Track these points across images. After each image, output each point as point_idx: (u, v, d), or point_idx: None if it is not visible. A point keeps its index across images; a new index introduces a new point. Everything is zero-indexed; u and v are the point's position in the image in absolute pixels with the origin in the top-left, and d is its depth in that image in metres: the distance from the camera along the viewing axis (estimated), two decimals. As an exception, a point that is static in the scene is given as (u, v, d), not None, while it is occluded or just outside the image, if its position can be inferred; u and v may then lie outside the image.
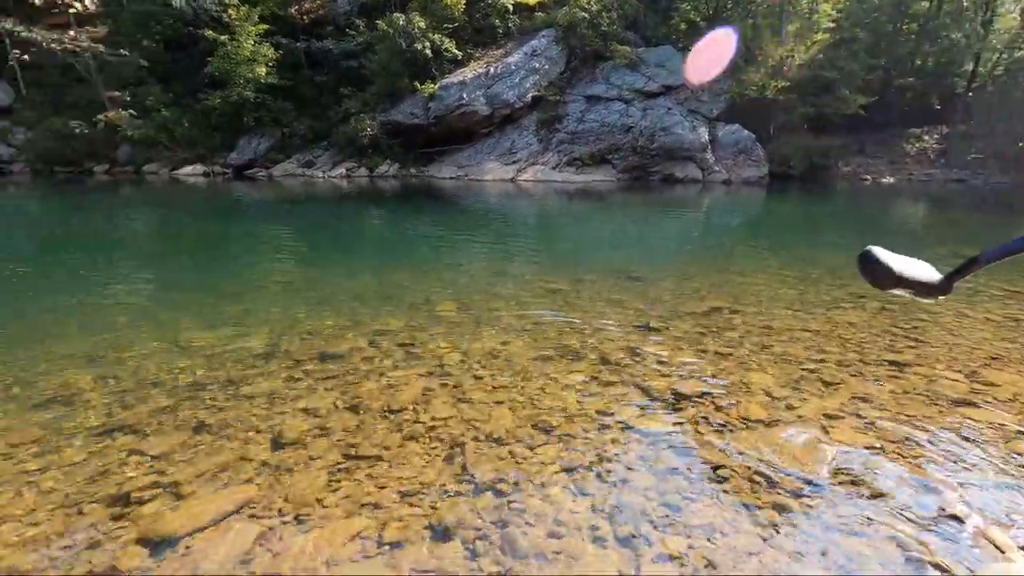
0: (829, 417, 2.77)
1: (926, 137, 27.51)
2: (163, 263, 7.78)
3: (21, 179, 22.17)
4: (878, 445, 2.51)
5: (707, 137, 23.48)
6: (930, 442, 2.54)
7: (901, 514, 2.03)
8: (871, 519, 2.01)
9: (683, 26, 27.01)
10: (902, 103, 28.22)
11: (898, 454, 2.44)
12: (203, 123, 26.09)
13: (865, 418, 2.76)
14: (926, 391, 3.08)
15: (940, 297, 0.62)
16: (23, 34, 23.04)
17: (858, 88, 25.30)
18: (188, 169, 25.19)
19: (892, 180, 24.37)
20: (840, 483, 2.23)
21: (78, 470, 2.34)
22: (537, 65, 24.82)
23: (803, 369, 3.38)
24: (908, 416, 2.78)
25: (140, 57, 25.46)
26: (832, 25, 24.85)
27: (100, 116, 24.09)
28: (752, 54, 25.13)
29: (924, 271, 0.61)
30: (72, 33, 24.23)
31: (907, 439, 2.56)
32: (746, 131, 24.11)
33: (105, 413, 2.84)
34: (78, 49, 24.12)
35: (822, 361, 3.51)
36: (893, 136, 27.44)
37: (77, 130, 24.23)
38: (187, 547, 1.89)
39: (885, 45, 28.36)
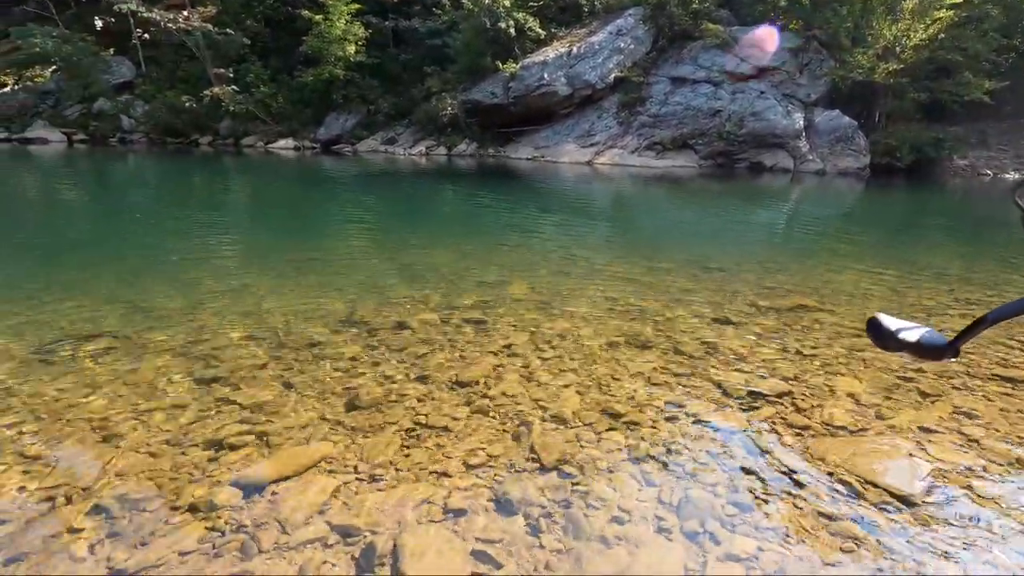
0: (925, 431, 2.55)
1: (1066, 129, 24.19)
2: (255, 229, 8.34)
3: (139, 148, 24.41)
4: (982, 466, 2.29)
5: (802, 123, 21.88)
6: (1046, 469, 2.29)
7: (1003, 543, 1.85)
8: (968, 545, 1.84)
9: (783, 2, 25.09)
10: (1039, 90, 24.92)
11: (1005, 478, 2.21)
12: (296, 99, 27.48)
13: (968, 435, 2.52)
14: (1045, 412, 2.77)
15: (951, 359, 0.60)
16: (145, 14, 25.12)
17: (985, 72, 22.56)
18: (281, 143, 26.69)
19: (1017, 176, 21.73)
20: (935, 503, 2.05)
21: (182, 413, 2.58)
22: (622, 45, 24.02)
23: (898, 377, 3.12)
24: (1020, 438, 2.51)
25: (243, 36, 27.10)
26: (959, 1, 22.15)
27: (207, 91, 25.94)
28: (861, 33, 22.99)
29: (928, 336, 0.62)
30: (186, 13, 26.12)
31: (1018, 461, 2.32)
32: (847, 118, 22.24)
33: (203, 364, 3.10)
34: (191, 28, 25.99)
35: (920, 371, 3.22)
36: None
37: (187, 104, 26.26)
38: (273, 493, 2.04)
39: (1023, 24, 25.06)
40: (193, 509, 1.94)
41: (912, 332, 0.63)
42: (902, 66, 21.66)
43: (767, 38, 21.73)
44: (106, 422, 2.48)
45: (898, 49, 22.05)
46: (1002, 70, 23.35)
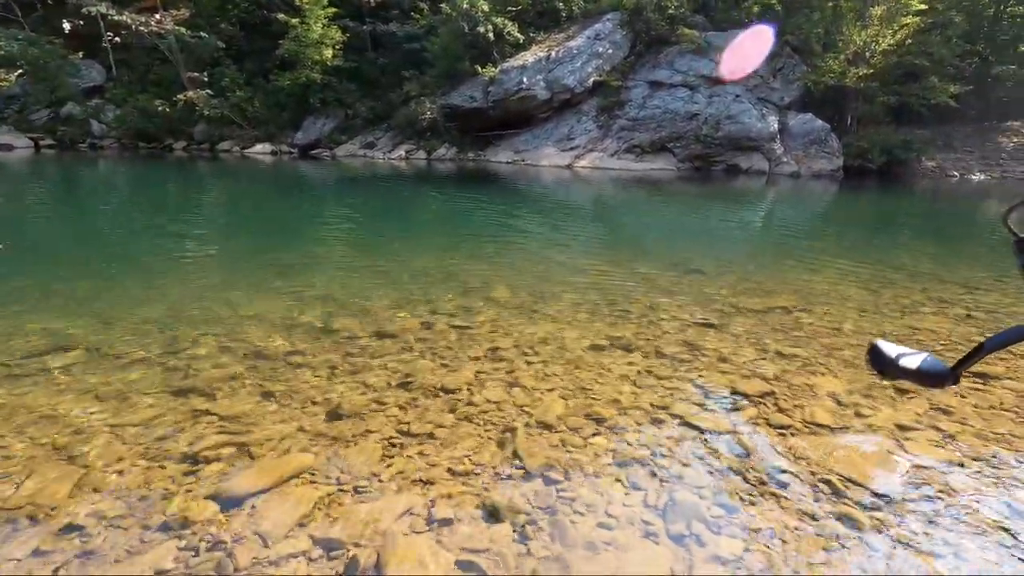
0: (903, 428, 2.60)
1: (1026, 131, 25.09)
2: (231, 235, 8.18)
3: (110, 154, 23.82)
4: (958, 461, 2.33)
5: (776, 126, 22.31)
6: (1019, 461, 2.34)
7: (981, 537, 1.88)
8: (947, 541, 1.87)
9: (756, 8, 25.58)
10: (1000, 94, 25.85)
11: (981, 472, 2.26)
12: (272, 103, 27.14)
13: (944, 432, 2.57)
14: (1016, 407, 2.84)
15: (952, 386, 0.62)
16: (115, 17, 24.57)
17: (950, 76, 23.32)
18: (257, 148, 26.30)
19: (982, 177, 22.45)
20: (914, 498, 2.09)
21: (156, 426, 2.50)
22: (600, 49, 24.24)
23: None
24: (995, 433, 2.57)
25: (217, 39, 26.68)
26: (924, 8, 22.85)
27: (180, 96, 25.46)
28: (832, 39, 23.57)
29: (929, 363, 0.62)
30: (158, 16, 25.62)
31: (993, 457, 2.37)
32: (820, 121, 22.76)
33: (180, 375, 3.02)
34: (163, 31, 25.50)
35: (897, 368, 3.28)
36: (987, 130, 25.22)
37: (160, 108, 25.73)
38: (252, 506, 1.99)
39: (985, 30, 25.99)
40: (168, 526, 1.87)
41: (913, 359, 0.62)
42: (871, 71, 22.28)
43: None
44: (76, 436, 2.39)
45: (867, 54, 22.66)
46: (966, 75, 24.17)
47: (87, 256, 6.24)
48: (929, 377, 0.63)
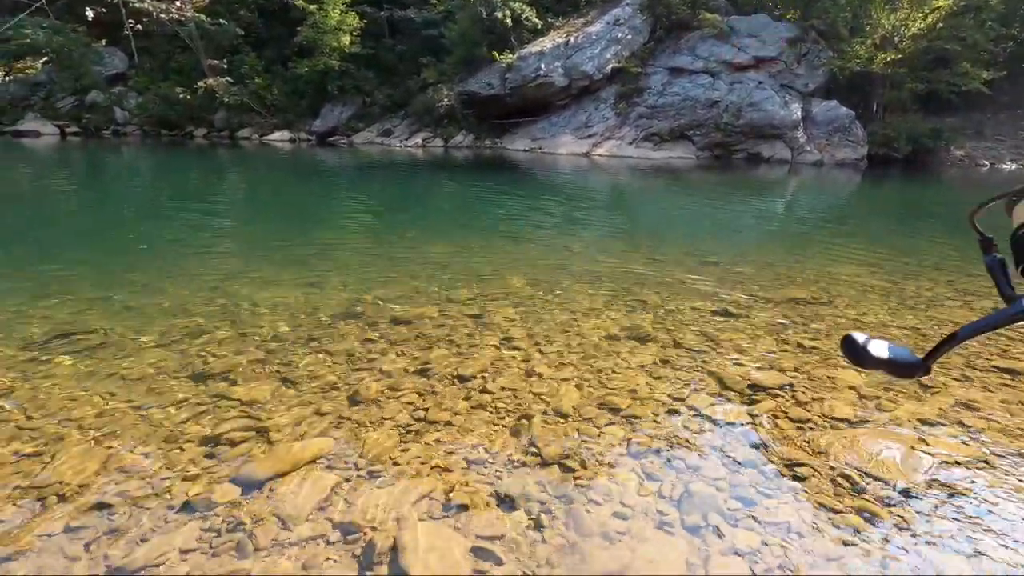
0: (926, 423, 2.55)
1: (1063, 120, 24.18)
2: (249, 223, 8.28)
3: (132, 141, 24.20)
4: (984, 458, 2.28)
5: (800, 114, 21.82)
6: (1047, 461, 2.28)
7: (1006, 535, 1.85)
8: (971, 538, 1.84)
9: (781, -8, 24.96)
10: (1036, 80, 24.89)
11: (1008, 470, 2.21)
12: (291, 90, 27.24)
13: (970, 427, 2.52)
14: (1045, 404, 2.77)
15: (922, 376, 0.62)
16: (136, 4, 24.82)
17: (983, 62, 22.52)
18: (276, 135, 26.48)
19: (1013, 167, 21.75)
20: (937, 495, 2.05)
21: (178, 410, 2.55)
22: (619, 35, 23.86)
23: (898, 369, 3.11)
24: (1022, 429, 2.51)
25: (237, 26, 26.80)
26: (957, -11, 22.05)
27: (200, 83, 25.70)
28: (860, 23, 22.89)
29: (899, 353, 0.61)
30: (178, 3, 25.81)
31: (1019, 453, 2.32)
32: (844, 108, 22.20)
33: (200, 361, 3.07)
34: (183, 18, 25.70)
35: (921, 362, 3.21)
36: (1020, 117, 24.36)
37: (181, 96, 26.01)
38: (271, 489, 2.02)
39: (1021, 13, 24.98)
40: (192, 506, 1.92)
41: (884, 349, 0.62)
42: (900, 56, 21.61)
43: None
44: (101, 419, 2.45)
45: (896, 39, 21.99)
46: (1000, 60, 23.32)
47: (111, 241, 6.36)
48: (900, 367, 0.62)
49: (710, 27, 23.15)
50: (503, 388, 2.81)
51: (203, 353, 3.15)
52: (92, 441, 2.29)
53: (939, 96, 22.97)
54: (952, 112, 23.52)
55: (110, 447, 2.25)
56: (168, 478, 2.07)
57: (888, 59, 21.54)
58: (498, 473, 2.14)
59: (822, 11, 23.58)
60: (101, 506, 1.91)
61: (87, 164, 16.03)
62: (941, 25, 21.64)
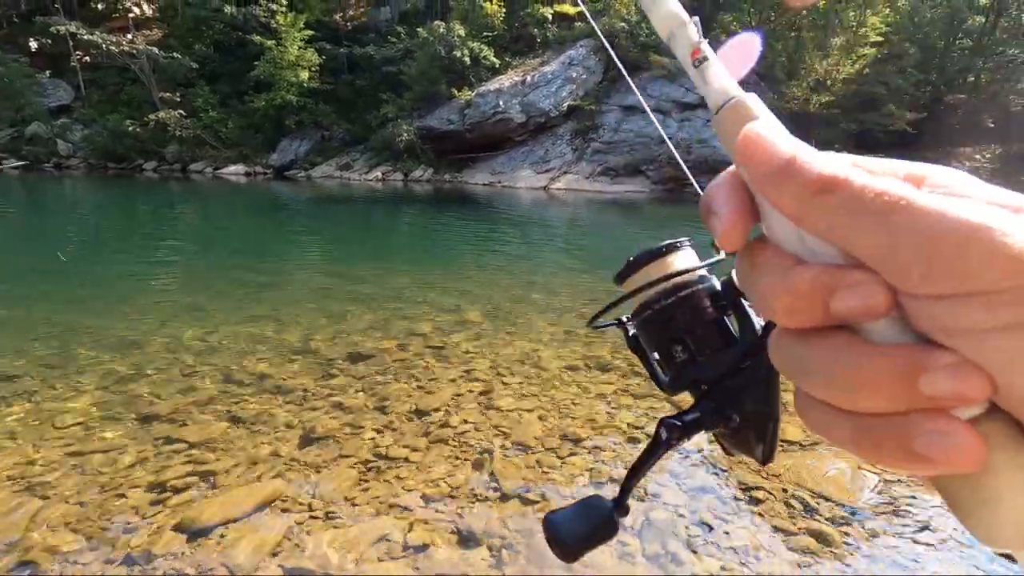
0: (871, 443, 2.66)
1: (979, 156, 26.40)
2: (204, 257, 8.03)
3: (77, 174, 23.26)
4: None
5: (745, 150, 23.01)
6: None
7: (947, 549, 1.93)
8: (916, 554, 1.91)
9: (723, 38, 26.58)
10: (953, 121, 27.19)
11: (945, 486, 2.32)
12: (246, 124, 26.94)
13: (909, 446, 2.64)
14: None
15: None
16: (85, 36, 24.27)
17: (906, 104, 24.53)
18: (231, 169, 26.00)
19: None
20: (882, 513, 2.13)
21: (120, 455, 2.41)
22: (574, 75, 24.84)
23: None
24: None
25: (191, 60, 26.51)
26: (880, 40, 24.16)
27: (151, 116, 25.12)
28: (795, 67, 24.62)
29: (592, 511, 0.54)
30: (130, 36, 25.41)
31: (955, 471, 2.44)
32: (786, 145, 23.57)
33: (146, 402, 2.93)
34: (135, 51, 25.25)
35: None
36: (943, 155, 26.42)
37: (130, 128, 25.32)
38: (221, 536, 1.92)
39: (936, 61, 27.43)
40: (132, 559, 1.80)
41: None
42: (832, 98, 23.29)
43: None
44: (31, 468, 2.29)
45: (828, 82, 23.70)
46: (921, 103, 25.43)
47: (51, 277, 6.04)
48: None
49: (659, 68, 24.39)
50: (464, 421, 2.78)
51: (148, 394, 3.00)
52: (24, 491, 2.13)
53: (871, 134, 24.74)
54: (883, 150, 25.27)
55: (43, 498, 2.10)
56: (107, 528, 1.94)
57: (823, 100, 23.19)
58: (459, 510, 2.10)
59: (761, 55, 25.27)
60: (27, 564, 1.77)
61: (24, 196, 15.27)
62: (867, 71, 23.56)
